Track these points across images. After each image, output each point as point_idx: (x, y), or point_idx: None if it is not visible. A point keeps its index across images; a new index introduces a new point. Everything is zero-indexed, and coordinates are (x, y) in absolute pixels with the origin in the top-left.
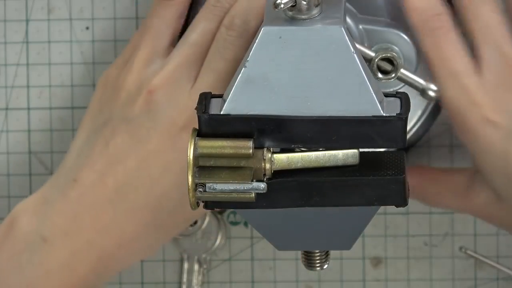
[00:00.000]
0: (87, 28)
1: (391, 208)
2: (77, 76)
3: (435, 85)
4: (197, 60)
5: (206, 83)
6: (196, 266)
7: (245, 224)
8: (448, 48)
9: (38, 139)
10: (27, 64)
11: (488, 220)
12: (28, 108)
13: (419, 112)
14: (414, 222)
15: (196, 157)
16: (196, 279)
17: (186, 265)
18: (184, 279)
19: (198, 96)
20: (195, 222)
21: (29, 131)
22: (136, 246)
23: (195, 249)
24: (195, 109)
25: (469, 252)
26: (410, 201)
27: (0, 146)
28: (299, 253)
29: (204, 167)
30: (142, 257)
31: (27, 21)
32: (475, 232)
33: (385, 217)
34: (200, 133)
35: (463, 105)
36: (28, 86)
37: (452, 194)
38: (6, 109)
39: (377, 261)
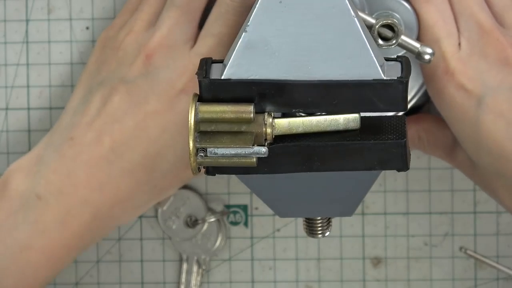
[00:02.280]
0: (87, 28)
1: (391, 208)
2: (77, 76)
3: (431, 47)
4: (189, 21)
5: (206, 47)
6: (195, 267)
7: (245, 224)
8: (434, 14)
9: (38, 139)
10: (27, 64)
11: (470, 178)
12: (28, 108)
13: (420, 81)
14: (414, 222)
15: (197, 122)
16: (194, 280)
17: (185, 266)
18: (183, 279)
19: (197, 59)
20: (196, 223)
21: (29, 131)
22: (130, 204)
23: (194, 250)
24: (196, 74)
25: (469, 252)
26: (411, 201)
27: (0, 146)
28: (299, 253)
29: (205, 132)
30: (135, 215)
31: (27, 21)
32: (475, 232)
33: (385, 217)
34: (201, 98)
35: (439, 72)
36: (28, 86)
37: (440, 147)
38: (6, 109)
39: (377, 261)
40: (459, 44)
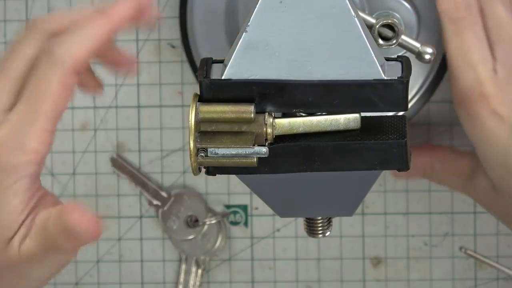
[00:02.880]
0: None
1: (391, 208)
2: None
3: (431, 47)
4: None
5: (21, 116)
6: (194, 267)
7: (245, 224)
8: (470, 40)
9: None
10: None
11: (487, 208)
12: None
13: (420, 81)
14: (414, 222)
15: (198, 122)
16: (193, 280)
17: (184, 266)
18: (181, 279)
19: (10, 129)
20: (196, 221)
21: None
22: None
23: (194, 250)
24: (196, 74)
25: (469, 252)
26: (410, 201)
27: None
28: (299, 253)
29: (206, 132)
30: None
31: (27, 21)
32: (475, 232)
33: (385, 217)
34: (202, 98)
35: (474, 95)
36: None
37: (456, 175)
38: None
39: (377, 261)
40: (495, 69)
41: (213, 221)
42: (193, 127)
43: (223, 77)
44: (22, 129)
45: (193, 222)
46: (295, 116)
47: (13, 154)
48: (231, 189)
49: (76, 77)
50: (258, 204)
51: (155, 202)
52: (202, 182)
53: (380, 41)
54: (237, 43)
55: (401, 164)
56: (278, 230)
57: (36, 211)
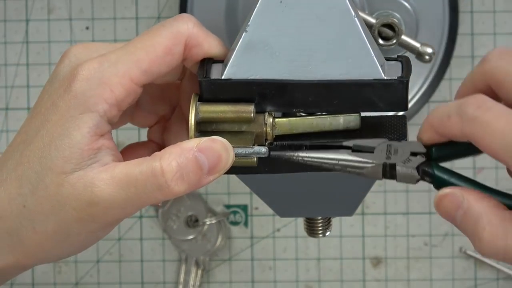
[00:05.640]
0: (87, 28)
1: (391, 208)
2: None
3: (431, 47)
4: None
5: (116, 54)
6: (194, 267)
7: (245, 224)
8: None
9: None
10: (27, 64)
11: None
12: (28, 108)
13: (420, 81)
14: (414, 222)
15: (198, 122)
16: (193, 280)
17: (184, 266)
18: (181, 279)
19: (100, 61)
20: (196, 221)
21: None
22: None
23: (194, 250)
24: (196, 74)
25: (469, 252)
26: (410, 201)
27: (0, 146)
28: (299, 253)
29: (206, 132)
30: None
31: (27, 21)
32: None
33: (385, 217)
34: (202, 98)
35: None
36: (28, 86)
37: None
38: (6, 109)
39: (377, 261)
40: None
41: (213, 221)
42: (193, 127)
43: (223, 77)
44: (109, 65)
45: (193, 222)
46: (295, 116)
47: (88, 83)
48: (231, 189)
49: (180, 53)
50: (258, 204)
51: None
52: None
53: (380, 41)
54: (237, 43)
55: None
56: (278, 230)
57: (99, 158)
